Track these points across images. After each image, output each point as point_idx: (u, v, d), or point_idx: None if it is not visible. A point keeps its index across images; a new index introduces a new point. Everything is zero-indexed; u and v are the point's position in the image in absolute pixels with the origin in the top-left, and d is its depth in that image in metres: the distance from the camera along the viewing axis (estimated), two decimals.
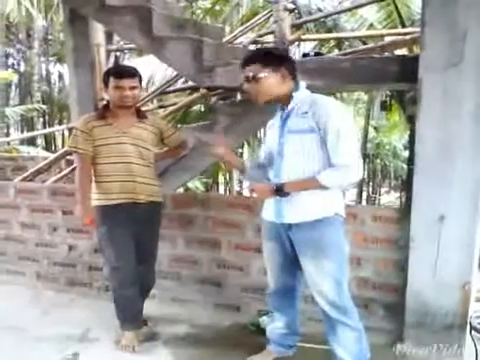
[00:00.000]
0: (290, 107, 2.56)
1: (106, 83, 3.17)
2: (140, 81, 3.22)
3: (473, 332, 3.15)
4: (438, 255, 3.03)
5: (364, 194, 20.01)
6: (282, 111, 2.65)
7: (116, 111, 3.21)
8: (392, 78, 3.57)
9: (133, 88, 3.13)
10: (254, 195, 2.60)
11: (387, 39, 5.93)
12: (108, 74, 3.19)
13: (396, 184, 25.44)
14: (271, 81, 2.53)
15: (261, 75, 2.51)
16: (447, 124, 2.94)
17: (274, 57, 2.57)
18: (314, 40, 8.44)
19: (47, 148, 15.65)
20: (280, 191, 2.51)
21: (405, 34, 5.29)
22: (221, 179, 15.78)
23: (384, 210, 3.41)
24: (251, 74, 2.52)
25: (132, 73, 3.18)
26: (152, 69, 8.42)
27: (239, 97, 4.82)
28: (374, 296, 3.38)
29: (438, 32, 2.91)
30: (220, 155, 2.81)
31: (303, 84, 2.63)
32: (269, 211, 2.70)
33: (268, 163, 2.78)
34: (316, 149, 2.49)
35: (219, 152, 2.79)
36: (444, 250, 3.02)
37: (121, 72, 3.18)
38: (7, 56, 17.94)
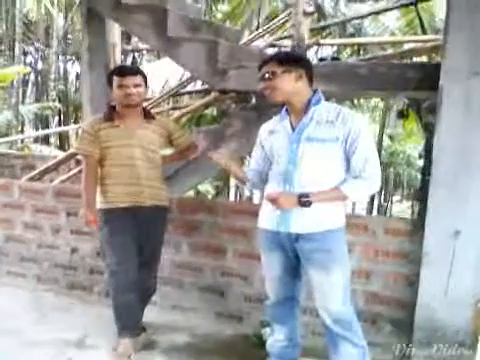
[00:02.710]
0: (310, 114, 2.50)
1: (110, 83, 3.15)
2: (145, 80, 3.18)
3: None
4: (451, 271, 2.95)
5: (375, 202, 19.86)
6: (290, 116, 2.60)
7: (123, 112, 3.18)
8: (411, 85, 3.52)
9: (137, 86, 3.10)
10: (275, 205, 2.46)
11: (406, 46, 5.88)
12: (112, 74, 3.18)
13: (408, 193, 25.27)
14: (287, 79, 2.50)
15: (277, 71, 2.49)
16: (467, 135, 2.87)
17: (291, 57, 2.59)
18: (332, 45, 8.37)
19: (61, 147, 15.75)
20: (305, 201, 2.42)
21: (426, 41, 5.21)
22: (232, 183, 15.73)
23: (396, 222, 3.33)
24: (268, 71, 2.51)
25: (135, 71, 3.18)
26: (169, 71, 8.36)
27: (253, 101, 4.75)
28: (382, 311, 3.29)
29: (461, 40, 2.86)
30: (221, 164, 2.79)
31: (320, 92, 2.59)
32: (271, 220, 2.60)
33: (265, 169, 2.76)
34: (335, 159, 2.48)
35: (221, 161, 2.76)
36: (458, 266, 2.95)
37: (124, 70, 3.17)
38: (25, 54, 18.10)
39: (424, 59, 6.40)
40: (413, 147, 19.70)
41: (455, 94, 2.88)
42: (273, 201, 2.45)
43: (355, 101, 10.91)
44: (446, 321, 3.01)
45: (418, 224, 3.12)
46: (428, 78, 3.20)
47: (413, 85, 3.49)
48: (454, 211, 2.92)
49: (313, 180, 2.46)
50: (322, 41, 5.92)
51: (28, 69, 14.74)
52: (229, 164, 2.77)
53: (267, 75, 2.51)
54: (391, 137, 19.23)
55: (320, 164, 2.47)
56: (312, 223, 2.48)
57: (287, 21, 5.84)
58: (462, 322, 2.98)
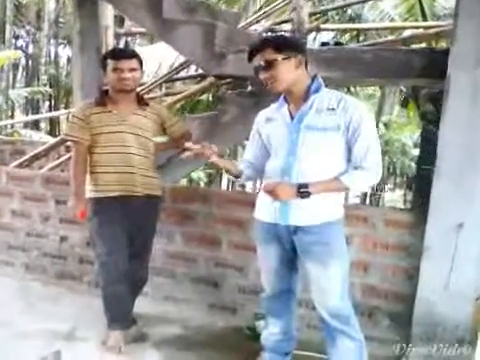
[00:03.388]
0: (310, 101, 2.40)
1: (104, 67, 3.05)
2: (140, 64, 3.08)
3: None
4: (453, 265, 2.89)
5: (368, 191, 19.84)
6: (288, 104, 2.49)
7: (115, 97, 3.08)
8: (417, 73, 3.44)
9: (132, 70, 3.00)
10: (272, 196, 2.35)
11: (407, 32, 5.81)
12: (106, 57, 3.07)
13: (401, 181, 25.36)
14: (288, 67, 2.37)
15: (276, 59, 2.35)
16: (475, 127, 2.79)
17: (288, 42, 2.46)
18: (332, 30, 8.23)
19: (51, 132, 15.64)
20: (304, 192, 2.31)
21: (428, 28, 5.13)
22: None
23: (397, 214, 3.29)
24: (264, 59, 2.36)
25: (131, 54, 3.06)
26: (162, 55, 8.22)
27: (249, 87, 4.66)
28: (380, 304, 3.24)
29: (472, 25, 2.76)
30: (212, 162, 2.63)
31: (320, 79, 2.48)
32: (269, 212, 2.50)
33: (262, 160, 2.65)
34: (337, 149, 2.39)
35: (211, 159, 2.59)
36: (460, 260, 2.89)
37: (119, 53, 3.07)
38: (16, 37, 17.90)
39: (424, 46, 6.33)
40: (408, 136, 19.71)
41: (462, 83, 2.79)
42: (270, 192, 2.34)
43: (351, 88, 10.83)
44: (446, 316, 2.95)
45: (419, 217, 3.05)
46: (434, 65, 3.13)
47: (419, 72, 3.40)
48: (458, 204, 2.85)
49: (313, 171, 2.37)
50: (323, 26, 5.81)
51: (19, 54, 14.57)
52: (219, 161, 2.62)
53: (263, 63, 2.37)
54: (386, 125, 19.21)
55: (321, 154, 2.38)
56: (311, 215, 2.39)
57: (286, 5, 5.72)
58: (462, 317, 2.93)
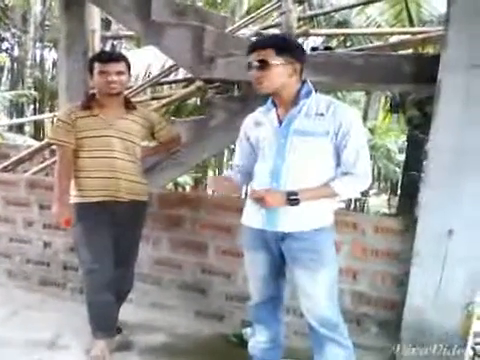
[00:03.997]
0: (299, 106, 2.36)
1: (91, 70, 2.98)
2: (128, 68, 3.02)
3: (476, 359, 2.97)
4: (443, 271, 2.86)
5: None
6: (277, 108, 2.44)
7: (102, 101, 3.01)
8: (407, 78, 3.41)
9: (119, 73, 2.93)
10: (261, 203, 2.32)
11: (393, 39, 5.84)
12: (93, 60, 3.01)
13: (385, 187, 25.49)
14: (282, 72, 2.32)
15: (275, 62, 2.29)
16: (466, 132, 2.75)
17: (290, 47, 2.38)
18: (321, 35, 8.24)
19: (36, 136, 15.49)
20: (293, 199, 2.28)
21: (416, 33, 5.15)
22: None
23: (387, 220, 3.26)
24: (261, 59, 2.30)
25: (118, 57, 2.99)
26: (149, 60, 8.17)
27: (236, 92, 4.63)
28: (368, 311, 3.21)
29: (464, 30, 2.73)
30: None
31: (310, 83, 2.43)
32: (256, 218, 2.46)
33: (250, 163, 2.60)
34: (325, 154, 2.36)
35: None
36: (450, 267, 2.85)
37: (106, 56, 2.99)
38: (1, 40, 17.74)
39: (412, 51, 6.37)
40: (393, 141, 19.78)
41: (453, 87, 2.77)
42: (259, 200, 2.31)
43: (338, 93, 10.87)
44: (435, 323, 2.92)
45: (409, 223, 3.03)
46: (423, 71, 3.11)
47: (410, 78, 3.38)
48: (448, 210, 2.82)
49: (302, 177, 2.33)
50: (312, 31, 5.80)
51: (4, 57, 14.44)
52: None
53: (256, 63, 2.30)
54: (371, 130, 19.28)
55: (309, 159, 2.34)
56: (300, 222, 2.36)
57: (274, 10, 5.71)
58: (452, 324, 2.89)
